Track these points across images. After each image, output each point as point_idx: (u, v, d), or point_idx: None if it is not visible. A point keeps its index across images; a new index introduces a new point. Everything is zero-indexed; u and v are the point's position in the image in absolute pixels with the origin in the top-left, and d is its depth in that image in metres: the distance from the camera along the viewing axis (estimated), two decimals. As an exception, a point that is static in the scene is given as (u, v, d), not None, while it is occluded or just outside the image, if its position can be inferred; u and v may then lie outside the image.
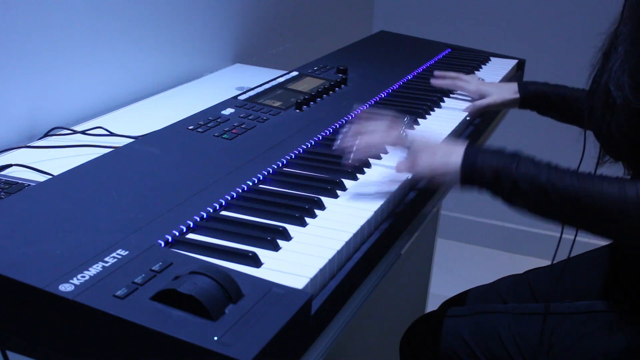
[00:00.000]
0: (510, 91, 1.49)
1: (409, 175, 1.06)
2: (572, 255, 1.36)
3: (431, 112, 1.39)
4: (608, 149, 1.13)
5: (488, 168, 1.00)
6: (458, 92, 1.53)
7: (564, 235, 1.28)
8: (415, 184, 1.10)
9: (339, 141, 1.09)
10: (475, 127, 1.42)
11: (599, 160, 1.17)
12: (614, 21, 1.10)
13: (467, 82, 1.52)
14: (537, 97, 1.47)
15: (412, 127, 1.28)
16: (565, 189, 0.96)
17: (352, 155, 1.06)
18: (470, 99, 1.49)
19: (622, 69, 1.00)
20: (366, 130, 1.07)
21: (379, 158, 1.13)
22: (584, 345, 1.18)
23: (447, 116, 1.39)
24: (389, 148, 1.13)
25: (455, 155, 1.02)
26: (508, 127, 2.03)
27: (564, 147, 1.55)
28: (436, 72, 1.56)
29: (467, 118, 1.40)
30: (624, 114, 1.00)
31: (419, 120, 1.33)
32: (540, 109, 1.50)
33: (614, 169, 1.10)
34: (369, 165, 1.10)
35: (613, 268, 1.20)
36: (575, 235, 1.13)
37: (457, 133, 1.34)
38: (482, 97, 1.48)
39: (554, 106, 1.46)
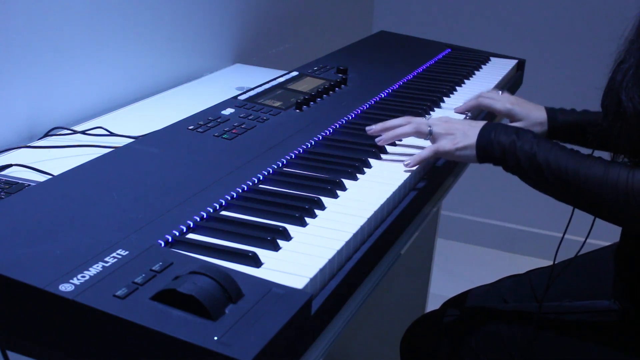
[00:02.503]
0: (538, 121, 1.34)
1: (409, 175, 1.07)
2: (575, 255, 1.36)
3: (431, 112, 1.39)
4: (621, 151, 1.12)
5: (497, 145, 1.07)
6: (460, 93, 1.52)
7: (567, 236, 1.28)
8: (415, 184, 1.10)
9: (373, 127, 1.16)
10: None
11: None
12: (632, 26, 1.07)
13: (494, 99, 1.37)
14: (569, 128, 1.33)
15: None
16: (557, 169, 1.02)
17: (381, 137, 1.14)
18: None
19: (634, 80, 1.01)
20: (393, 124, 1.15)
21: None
22: (586, 345, 1.18)
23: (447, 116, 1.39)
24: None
25: (473, 132, 1.09)
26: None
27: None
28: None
29: (468, 116, 1.39)
30: (634, 123, 1.00)
31: (419, 120, 1.33)
32: (570, 140, 1.33)
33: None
34: (369, 165, 1.10)
35: (617, 268, 1.20)
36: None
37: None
38: (511, 119, 1.36)
39: (587, 135, 1.30)
